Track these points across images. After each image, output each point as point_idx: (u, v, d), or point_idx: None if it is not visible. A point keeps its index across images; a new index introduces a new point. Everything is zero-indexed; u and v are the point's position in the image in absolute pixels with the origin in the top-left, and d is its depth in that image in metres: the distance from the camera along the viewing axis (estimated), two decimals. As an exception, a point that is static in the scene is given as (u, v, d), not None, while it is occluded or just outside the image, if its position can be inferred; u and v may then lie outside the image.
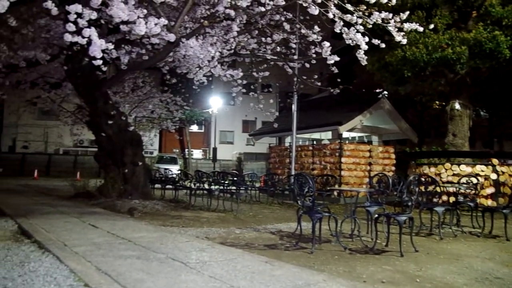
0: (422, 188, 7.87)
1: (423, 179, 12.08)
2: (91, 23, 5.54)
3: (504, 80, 14.01)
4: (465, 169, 11.59)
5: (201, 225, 8.05)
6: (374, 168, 15.38)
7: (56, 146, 32.51)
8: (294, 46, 12.09)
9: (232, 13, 8.18)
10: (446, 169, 11.88)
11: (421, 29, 7.38)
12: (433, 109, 19.77)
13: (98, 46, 5.33)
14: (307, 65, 11.97)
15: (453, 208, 8.26)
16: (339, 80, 13.23)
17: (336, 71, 9.60)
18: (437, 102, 17.14)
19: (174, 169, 28.46)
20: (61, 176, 25.69)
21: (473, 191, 9.03)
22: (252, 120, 37.94)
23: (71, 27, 5.33)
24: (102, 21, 7.66)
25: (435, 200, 8.62)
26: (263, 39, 11.12)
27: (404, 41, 7.36)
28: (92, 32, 5.30)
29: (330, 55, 8.29)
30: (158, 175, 26.67)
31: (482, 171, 11.42)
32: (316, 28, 8.54)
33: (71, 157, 31.04)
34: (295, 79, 13.99)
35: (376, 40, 7.65)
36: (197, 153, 39.19)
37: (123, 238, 5.53)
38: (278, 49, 11.71)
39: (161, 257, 4.49)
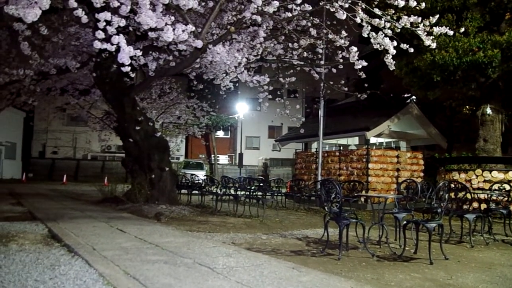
0: (452, 194, 7.66)
1: (453, 185, 11.91)
2: (119, 30, 5.65)
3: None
4: (497, 175, 11.26)
5: (227, 231, 8.05)
6: (402, 174, 15.13)
7: (84, 152, 33.25)
8: (320, 51, 12.03)
9: (259, 19, 8.21)
10: (477, 176, 11.57)
11: (451, 32, 7.23)
12: (463, 114, 19.28)
13: (127, 53, 5.42)
14: (334, 70, 11.89)
15: (484, 216, 8.02)
16: (366, 85, 13.09)
17: (363, 76, 9.51)
18: (467, 106, 16.71)
19: (200, 175, 28.70)
20: (89, 181, 26.25)
21: (506, 198, 8.74)
22: (278, 126, 37.95)
23: (100, 34, 5.47)
24: (130, 28, 7.80)
25: (465, 207, 8.39)
26: (289, 44, 11.11)
27: (434, 45, 7.21)
28: (120, 39, 5.41)
29: (357, 60, 8.22)
30: (185, 180, 27.15)
31: (515, 177, 11.09)
32: (343, 33, 8.47)
33: (99, 162, 31.71)
34: (321, 84, 13.94)
35: (405, 45, 7.52)
36: (223, 159, 39.40)
37: (151, 243, 5.57)
38: (305, 54, 11.67)
39: (188, 262, 4.51)
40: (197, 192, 14.01)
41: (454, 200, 7.86)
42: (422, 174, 15.65)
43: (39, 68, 9.69)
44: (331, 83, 13.29)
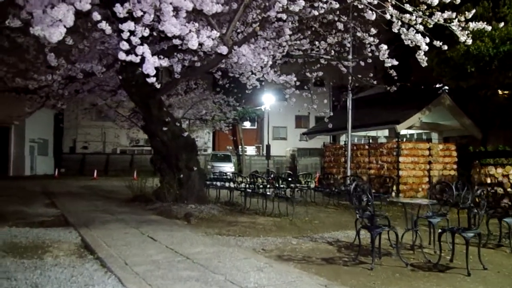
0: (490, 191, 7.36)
1: (489, 180, 11.54)
2: (143, 39, 5.59)
3: None
4: (537, 169, 10.85)
5: (257, 234, 8.00)
6: (434, 167, 14.77)
7: (113, 146, 33.74)
8: (348, 44, 11.75)
9: (284, 16, 8.04)
10: (516, 170, 11.16)
11: (488, 28, 6.88)
12: (498, 97, 18.53)
13: (151, 64, 5.37)
14: (362, 63, 11.59)
15: None
16: (395, 76, 12.74)
17: (394, 74, 9.21)
18: (505, 92, 16.02)
19: (228, 167, 28.75)
20: (119, 175, 26.63)
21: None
22: (305, 116, 37.53)
23: (124, 45, 5.39)
24: (154, 33, 7.75)
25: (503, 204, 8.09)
26: (316, 39, 10.88)
27: (470, 41, 6.89)
28: (145, 50, 5.36)
29: (387, 57, 7.98)
30: (213, 173, 27.28)
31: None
32: (372, 31, 8.20)
33: (128, 156, 32.13)
34: (349, 78, 13.65)
35: (438, 42, 7.23)
36: (250, 150, 39.36)
37: (181, 255, 5.57)
38: (332, 48, 11.42)
39: (220, 280, 4.47)
40: (225, 186, 14.03)
41: (491, 201, 7.57)
42: (455, 167, 15.24)
43: (66, 73, 9.80)
44: (359, 76, 13.03)
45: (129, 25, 5.36)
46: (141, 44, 5.38)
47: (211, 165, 28.32)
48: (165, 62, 5.54)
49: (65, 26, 4.50)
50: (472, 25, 6.81)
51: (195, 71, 9.24)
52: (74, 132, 32.69)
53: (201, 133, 21.09)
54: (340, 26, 9.79)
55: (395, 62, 7.76)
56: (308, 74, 12.27)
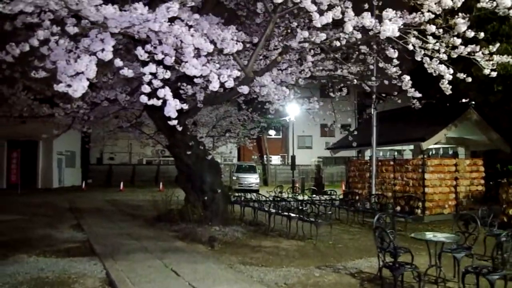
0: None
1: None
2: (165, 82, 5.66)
3: None
4: None
5: (280, 263, 8.06)
6: (461, 182, 14.56)
7: (139, 157, 34.19)
8: (372, 65, 11.71)
9: (306, 45, 8.11)
10: (545, 191, 10.91)
11: (512, 61, 6.78)
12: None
13: (173, 107, 5.41)
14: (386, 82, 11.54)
15: None
16: (419, 94, 12.63)
17: (418, 105, 9.12)
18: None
19: (253, 178, 28.88)
20: (145, 186, 27.14)
21: None
22: (334, 123, 37.30)
23: (146, 88, 5.40)
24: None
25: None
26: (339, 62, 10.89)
27: (494, 74, 6.81)
28: (167, 92, 5.34)
29: (411, 87, 7.94)
30: (238, 184, 27.47)
31: None
32: (395, 61, 8.17)
33: (153, 166, 32.56)
34: (373, 97, 13.60)
35: (462, 74, 7.17)
36: (275, 159, 39.44)
37: (204, 295, 5.70)
38: (356, 68, 11.40)
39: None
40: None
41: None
42: (482, 182, 14.96)
43: (91, 100, 10.05)
44: (383, 94, 12.98)
45: (150, 67, 5.36)
46: (163, 87, 5.39)
47: (236, 177, 28.52)
48: (186, 106, 5.63)
49: (88, 79, 4.55)
50: (496, 58, 6.73)
51: (217, 99, 9.38)
52: (100, 143, 33.09)
53: (225, 148, 21.16)
54: (363, 51, 9.82)
55: (418, 95, 7.73)
56: (331, 94, 12.29)
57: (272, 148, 38.55)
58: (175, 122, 5.59)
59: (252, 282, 6.52)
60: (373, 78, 11.13)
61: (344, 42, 7.75)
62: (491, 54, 6.74)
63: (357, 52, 10.58)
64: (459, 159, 15.11)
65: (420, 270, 6.02)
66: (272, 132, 39.52)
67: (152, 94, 5.38)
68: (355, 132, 14.07)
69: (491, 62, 6.91)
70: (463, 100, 15.09)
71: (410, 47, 7.15)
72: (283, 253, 9.04)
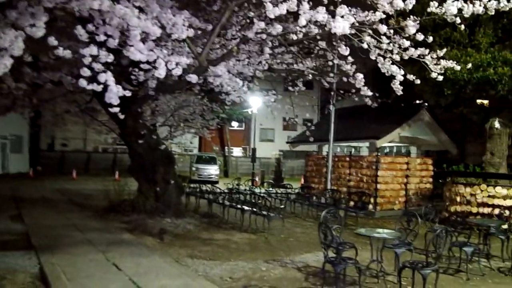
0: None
1: (458, 199, 11.80)
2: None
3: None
4: (501, 191, 11.18)
5: (229, 256, 8.07)
6: (411, 180, 15.01)
7: (95, 144, 32.99)
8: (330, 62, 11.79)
9: (264, 36, 8.09)
10: (482, 190, 11.45)
11: (458, 67, 7.02)
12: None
13: (115, 93, 5.16)
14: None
15: (484, 243, 8.10)
16: (376, 94, 12.88)
17: (374, 105, 9.31)
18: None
19: (213, 169, 28.68)
20: (100, 174, 26.00)
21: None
22: (293, 118, 37.57)
23: (86, 72, 5.04)
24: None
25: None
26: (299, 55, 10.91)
27: (441, 78, 7.02)
28: (108, 77, 5.08)
29: (364, 85, 8.06)
30: (197, 176, 27.23)
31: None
32: (350, 59, 8.26)
33: (110, 155, 31.29)
34: (332, 93, 13.74)
35: (412, 76, 7.35)
36: (237, 151, 39.39)
37: (143, 291, 5.61)
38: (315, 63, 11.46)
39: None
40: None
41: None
42: (431, 180, 15.49)
43: (32, 81, 9.39)
44: (341, 92, 13.14)
45: (91, 49, 5.02)
46: (105, 71, 5.07)
47: (196, 168, 28.25)
48: (129, 93, 5.44)
49: (12, 57, 4.18)
50: (443, 63, 6.93)
51: (170, 87, 9.16)
52: (52, 128, 31.01)
53: (185, 138, 20.73)
54: (322, 47, 9.85)
55: (369, 93, 7.88)
56: (290, 88, 12.33)
57: (234, 140, 38.45)
58: (116, 109, 5.38)
59: (196, 277, 6.48)
60: (331, 75, 11.22)
61: (301, 36, 7.76)
62: (439, 58, 6.94)
63: (317, 48, 10.63)
64: (410, 157, 15.57)
65: (362, 265, 6.15)
66: (235, 124, 39.40)
67: (93, 79, 5.15)
68: (313, 128, 14.19)
69: (438, 66, 7.13)
70: (418, 102, 15.52)
71: (365, 45, 7.27)
72: (233, 246, 9.06)
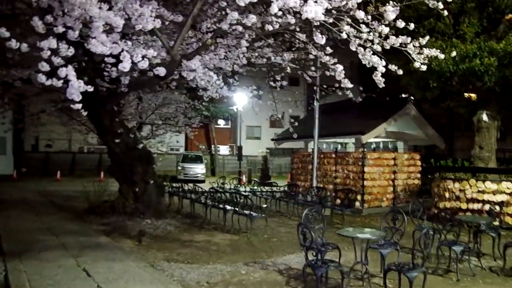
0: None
1: (447, 195, 11.56)
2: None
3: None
4: (490, 186, 10.92)
5: (208, 259, 7.70)
6: (399, 176, 14.75)
7: (80, 144, 32.32)
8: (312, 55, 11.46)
9: (240, 28, 7.73)
10: (471, 186, 11.18)
11: (441, 56, 6.69)
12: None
13: (76, 89, 4.81)
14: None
15: (474, 241, 7.84)
16: (351, 85, 12.60)
17: (350, 85, 8.92)
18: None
19: (199, 168, 28.23)
20: (85, 175, 25.42)
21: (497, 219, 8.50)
22: (276, 115, 37.18)
23: (44, 67, 4.72)
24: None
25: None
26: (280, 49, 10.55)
27: (424, 68, 6.70)
28: (69, 72, 4.71)
29: (344, 78, 7.73)
30: (184, 175, 26.77)
31: (508, 188, 10.76)
32: (329, 50, 7.93)
33: (96, 155, 30.57)
34: (315, 88, 13.43)
35: (394, 66, 7.01)
36: (224, 149, 38.95)
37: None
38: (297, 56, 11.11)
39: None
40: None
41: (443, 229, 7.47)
42: (419, 176, 15.26)
43: (1, 79, 8.96)
44: (325, 86, 12.81)
45: (50, 42, 4.66)
46: (65, 65, 4.71)
47: (182, 167, 27.77)
48: (91, 88, 5.04)
49: None
50: (426, 51, 6.61)
51: (144, 84, 8.74)
52: (36, 129, 30.09)
53: (166, 136, 20.14)
54: (301, 40, 9.50)
55: (350, 85, 7.55)
56: (272, 83, 11.97)
57: (221, 138, 38.01)
58: (79, 106, 4.98)
59: (170, 282, 6.10)
60: (313, 68, 10.87)
61: (277, 26, 7.40)
62: (421, 47, 6.62)
63: (298, 41, 10.29)
64: (397, 153, 15.31)
65: (344, 268, 5.83)
66: (221, 122, 38.94)
67: (53, 74, 4.76)
68: (296, 124, 13.84)
69: (422, 56, 6.81)
70: (404, 96, 15.25)
71: (344, 35, 6.93)
72: (214, 248, 8.70)
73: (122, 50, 5.30)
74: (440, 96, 13.79)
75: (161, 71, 6.00)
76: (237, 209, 10.66)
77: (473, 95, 12.80)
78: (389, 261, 6.08)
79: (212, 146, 36.10)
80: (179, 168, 27.93)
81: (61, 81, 4.75)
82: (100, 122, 10.13)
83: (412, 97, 14.85)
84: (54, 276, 6.03)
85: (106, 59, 5.53)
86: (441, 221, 7.72)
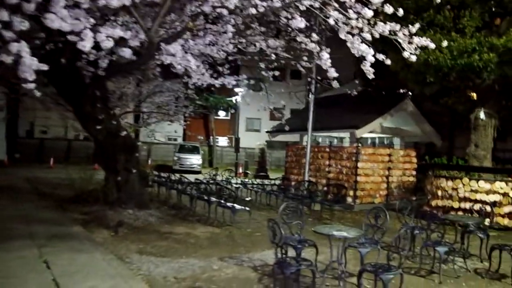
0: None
1: (440, 193, 11.22)
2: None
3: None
4: (484, 185, 10.58)
5: (183, 252, 7.37)
6: (394, 173, 14.40)
7: (76, 132, 31.83)
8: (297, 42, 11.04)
9: (225, 12, 7.37)
10: (464, 184, 10.82)
11: (432, 45, 6.31)
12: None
13: (28, 66, 4.44)
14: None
15: (461, 242, 7.47)
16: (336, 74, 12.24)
17: (336, 74, 8.53)
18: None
19: (195, 159, 27.87)
20: (80, 163, 25.02)
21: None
22: (280, 108, 36.74)
23: None
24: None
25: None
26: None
27: (414, 58, 6.31)
28: (22, 47, 4.38)
29: (330, 67, 7.36)
30: (179, 165, 26.46)
31: (501, 188, 10.42)
32: (315, 37, 7.55)
33: (91, 143, 30.13)
34: (308, 79, 13.05)
35: (381, 55, 6.63)
36: (222, 141, 38.58)
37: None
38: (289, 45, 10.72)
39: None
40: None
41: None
42: (414, 173, 14.89)
43: None
44: (319, 78, 12.42)
45: (2, 14, 4.28)
46: (17, 41, 4.36)
47: (178, 157, 27.41)
48: (46, 67, 4.66)
49: None
50: (416, 40, 6.22)
51: (123, 68, 8.37)
52: (32, 115, 29.28)
53: (169, 127, 19.67)
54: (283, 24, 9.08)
55: (335, 74, 7.18)
56: (263, 73, 11.59)
57: (221, 129, 37.65)
58: (32, 85, 4.61)
59: (132, 277, 5.75)
60: (305, 58, 10.47)
61: (262, 10, 7.02)
62: (411, 35, 6.23)
63: (288, 28, 9.88)
64: (393, 149, 14.92)
65: (324, 265, 5.49)
66: (221, 113, 38.52)
67: (3, 49, 4.40)
68: (289, 116, 13.49)
69: (412, 45, 6.42)
70: (402, 91, 14.84)
71: (331, 21, 6.56)
72: (192, 241, 8.38)
73: (85, 28, 4.94)
74: (440, 92, 13.39)
75: (127, 52, 5.63)
76: (221, 201, 10.35)
77: (473, 94, 12.40)
78: (372, 260, 5.77)
79: (211, 137, 35.72)
80: (175, 158, 27.58)
81: (11, 57, 4.39)
82: (81, 107, 9.77)
83: (410, 93, 14.44)
84: (9, 268, 5.67)
85: (68, 37, 5.14)
86: (427, 220, 7.37)
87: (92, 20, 4.98)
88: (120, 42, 6.82)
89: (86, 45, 4.81)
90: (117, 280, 5.49)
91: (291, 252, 6.09)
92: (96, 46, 6.53)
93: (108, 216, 9.81)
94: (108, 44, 5.03)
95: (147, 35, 6.58)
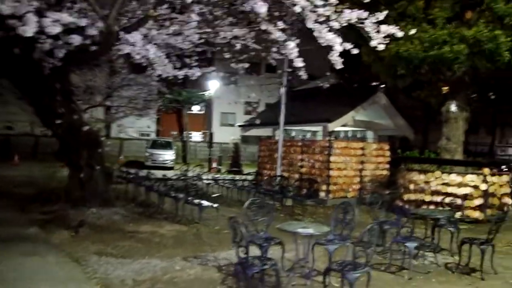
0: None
1: (412, 187, 11.13)
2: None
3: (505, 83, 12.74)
4: (455, 178, 10.54)
5: (146, 252, 7.02)
6: (367, 166, 14.25)
7: (43, 127, 30.57)
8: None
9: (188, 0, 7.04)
10: (436, 178, 10.75)
11: (400, 34, 6.09)
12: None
13: None
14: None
15: (432, 237, 7.36)
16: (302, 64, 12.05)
17: (302, 64, 8.26)
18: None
19: (168, 155, 27.29)
20: (48, 160, 24.23)
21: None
22: (255, 102, 36.45)
23: None
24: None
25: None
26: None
27: (382, 47, 6.08)
28: None
29: (297, 57, 7.08)
30: (151, 161, 25.90)
31: (472, 181, 10.40)
32: (280, 25, 7.25)
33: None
34: (280, 71, 12.80)
35: (348, 44, 6.37)
36: (196, 136, 38.04)
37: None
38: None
39: None
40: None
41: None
42: (387, 166, 14.79)
43: None
44: (290, 70, 12.18)
45: None
46: None
47: (150, 153, 26.76)
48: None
49: None
50: (383, 28, 5.99)
51: (83, 58, 7.92)
52: None
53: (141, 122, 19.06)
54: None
55: (301, 64, 6.91)
56: (233, 65, 11.25)
57: (195, 124, 37.07)
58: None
59: (86, 281, 5.38)
60: (274, 49, 10.17)
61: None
62: (378, 23, 6.00)
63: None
64: (366, 142, 14.80)
65: (282, 266, 5.23)
66: (195, 108, 37.93)
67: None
68: (258, 109, 13.24)
69: (381, 35, 6.20)
70: (375, 84, 14.73)
71: (298, 9, 6.28)
72: (156, 240, 8.03)
73: (27, 12, 4.53)
74: (412, 85, 13.34)
75: (76, 39, 5.22)
76: (189, 198, 10.01)
77: (445, 88, 12.37)
78: (342, 257, 5.59)
79: (184, 132, 35.11)
80: (147, 154, 26.93)
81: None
82: (39, 101, 9.25)
83: (383, 86, 14.33)
84: None
85: (9, 21, 4.72)
86: (397, 215, 7.21)
87: (35, 3, 4.58)
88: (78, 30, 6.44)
89: (27, 30, 4.41)
90: (69, 285, 5.10)
91: (257, 251, 5.79)
92: (55, 35, 6.11)
93: (69, 215, 9.33)
94: (54, 29, 4.63)
95: (105, 22, 6.18)
